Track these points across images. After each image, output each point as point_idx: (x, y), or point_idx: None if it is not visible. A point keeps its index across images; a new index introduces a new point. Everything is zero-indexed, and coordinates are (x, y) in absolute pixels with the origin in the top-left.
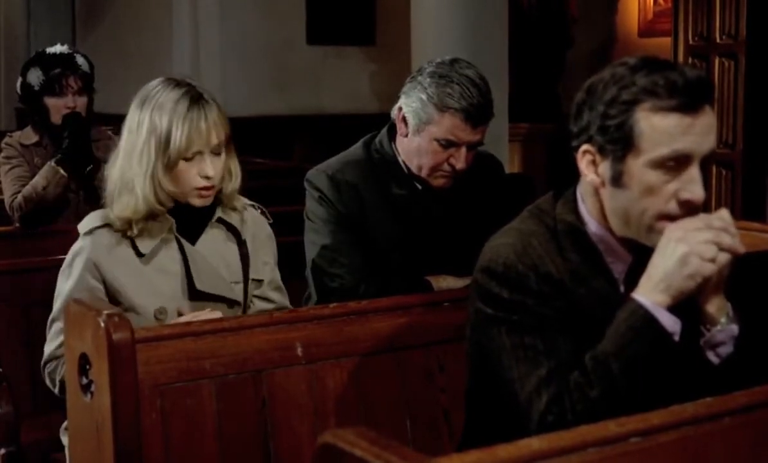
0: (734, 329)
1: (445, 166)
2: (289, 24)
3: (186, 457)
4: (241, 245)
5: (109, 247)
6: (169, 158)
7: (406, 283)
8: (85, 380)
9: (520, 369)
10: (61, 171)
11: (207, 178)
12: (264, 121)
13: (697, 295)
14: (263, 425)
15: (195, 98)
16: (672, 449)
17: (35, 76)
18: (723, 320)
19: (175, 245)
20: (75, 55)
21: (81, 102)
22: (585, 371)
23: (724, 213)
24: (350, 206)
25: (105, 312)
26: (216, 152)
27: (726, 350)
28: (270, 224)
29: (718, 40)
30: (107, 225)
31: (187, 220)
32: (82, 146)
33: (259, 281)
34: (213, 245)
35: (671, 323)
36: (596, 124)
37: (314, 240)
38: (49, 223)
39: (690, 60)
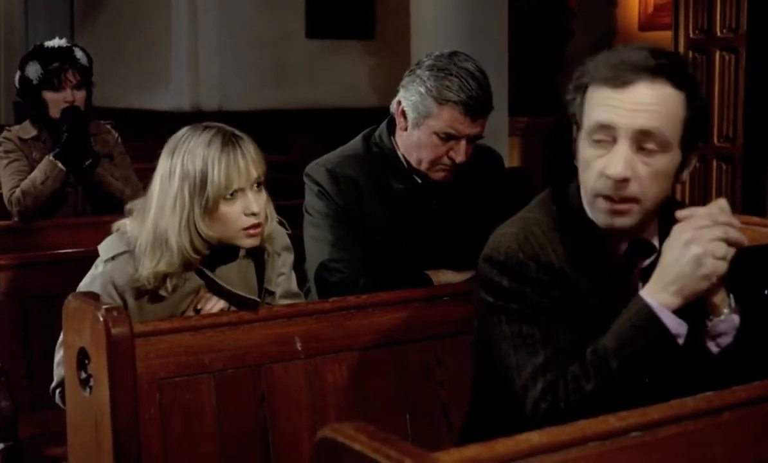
0: (736, 319)
1: (445, 160)
2: (288, 17)
3: (185, 451)
4: (260, 263)
5: (132, 274)
6: (207, 200)
7: (405, 277)
8: (83, 375)
9: (517, 357)
10: (60, 165)
11: (254, 215)
12: (263, 115)
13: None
14: (262, 419)
15: (228, 136)
16: (672, 443)
17: (34, 70)
18: (726, 310)
19: (195, 277)
20: (73, 48)
21: (80, 96)
22: (584, 362)
23: (723, 203)
24: (349, 200)
25: (104, 307)
26: (258, 187)
27: (726, 340)
28: (288, 235)
29: (718, 34)
30: (130, 252)
31: (211, 255)
32: (81, 140)
33: (272, 293)
34: (235, 270)
35: (676, 326)
36: (569, 109)
37: (313, 234)
38: (48, 218)
39: (690, 53)
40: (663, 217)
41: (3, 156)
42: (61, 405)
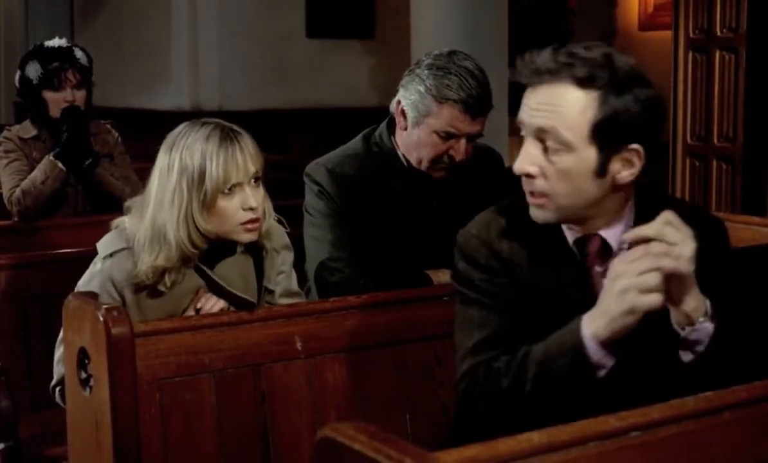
0: (709, 327)
1: (445, 159)
2: (288, 17)
3: (185, 451)
4: (259, 260)
5: (131, 271)
6: (205, 195)
7: (405, 277)
8: (84, 375)
9: (459, 337)
10: (60, 165)
11: (251, 209)
12: (263, 115)
13: (669, 298)
14: (262, 419)
15: (226, 131)
16: (672, 443)
17: (34, 70)
18: (701, 318)
19: (194, 274)
20: (73, 48)
21: (80, 96)
22: (511, 359)
23: (668, 216)
24: (349, 200)
25: (104, 306)
26: (255, 182)
27: (702, 347)
28: (288, 233)
29: (718, 34)
30: (129, 248)
31: (210, 248)
32: (81, 140)
33: (271, 292)
34: (234, 267)
35: (599, 357)
36: None
37: (313, 234)
38: (48, 217)
39: (690, 53)
40: (642, 213)
41: (3, 156)
42: (61, 404)
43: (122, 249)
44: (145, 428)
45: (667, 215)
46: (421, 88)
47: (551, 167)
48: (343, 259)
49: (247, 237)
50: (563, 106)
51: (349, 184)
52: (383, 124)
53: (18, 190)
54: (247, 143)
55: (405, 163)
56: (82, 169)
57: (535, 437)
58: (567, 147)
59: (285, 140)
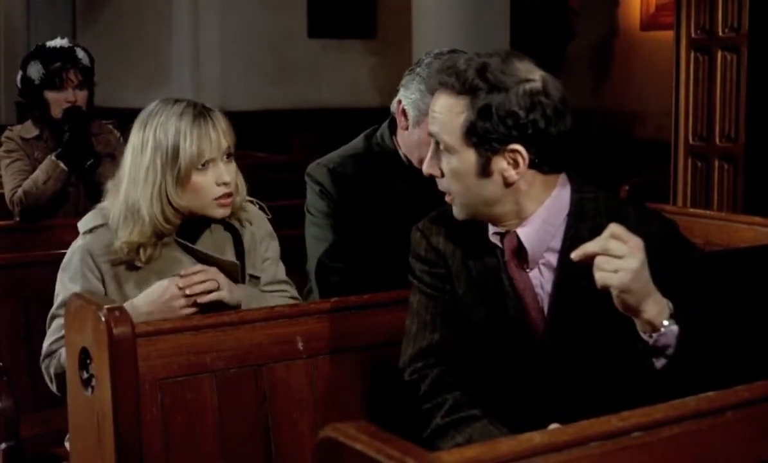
0: (675, 329)
1: None
2: (289, 17)
3: (186, 451)
4: (239, 244)
5: (109, 245)
6: (179, 171)
7: (405, 276)
8: (85, 375)
9: (406, 323)
10: (62, 165)
11: (225, 184)
12: (264, 115)
13: (628, 310)
14: (264, 419)
15: (198, 108)
16: (674, 443)
17: (35, 70)
18: (665, 322)
19: (175, 247)
20: (75, 48)
21: (81, 96)
22: (457, 403)
23: (614, 228)
24: (351, 200)
25: (105, 306)
26: (228, 158)
27: (672, 350)
28: (269, 219)
29: (720, 34)
30: (106, 225)
31: (187, 225)
32: (83, 140)
33: (257, 278)
34: (212, 245)
35: None
36: None
37: (315, 234)
38: (49, 218)
39: (692, 53)
40: (580, 215)
41: (5, 156)
42: (45, 379)
43: (100, 225)
44: (146, 428)
45: (613, 228)
46: (422, 87)
47: (445, 169)
48: (345, 259)
49: (220, 212)
50: (443, 113)
51: (351, 185)
52: (384, 124)
53: (20, 191)
54: (220, 120)
55: (406, 163)
56: (84, 170)
57: (537, 437)
58: (450, 150)
59: (286, 140)
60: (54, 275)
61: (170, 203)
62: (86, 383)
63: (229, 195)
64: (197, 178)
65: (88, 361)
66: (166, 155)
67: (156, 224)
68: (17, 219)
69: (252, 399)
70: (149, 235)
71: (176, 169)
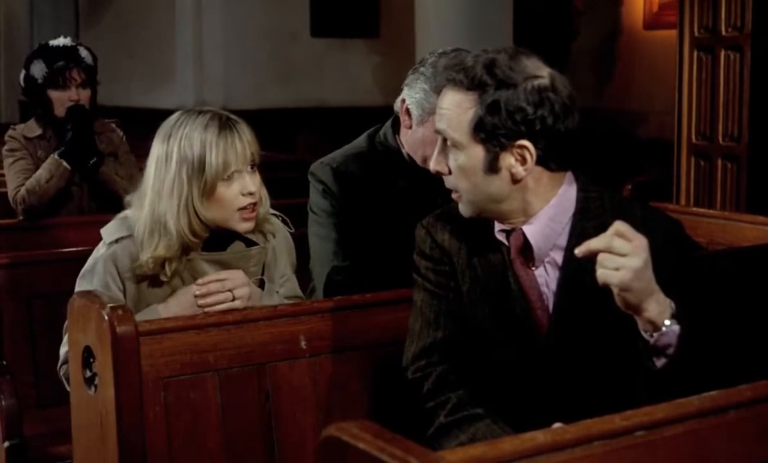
0: (677, 329)
1: None
2: (293, 16)
3: (190, 450)
4: (262, 257)
5: (135, 259)
6: (205, 183)
7: (409, 275)
8: (88, 373)
9: (410, 320)
10: (65, 164)
11: (251, 194)
12: (267, 114)
13: (630, 308)
14: (267, 418)
15: (223, 119)
16: (677, 442)
17: (38, 69)
18: (667, 321)
19: (199, 262)
20: (78, 47)
21: (84, 95)
22: (461, 401)
23: (619, 226)
24: (354, 199)
25: (109, 305)
26: (252, 169)
27: (672, 350)
28: (291, 233)
29: (723, 33)
30: (132, 236)
31: (211, 240)
32: (86, 139)
33: (276, 293)
34: (235, 258)
35: None
36: None
37: (318, 233)
38: (53, 216)
39: (695, 52)
40: (585, 214)
41: (8, 155)
42: (65, 384)
43: (127, 236)
44: (149, 426)
45: (617, 226)
46: (426, 86)
47: (452, 165)
48: (348, 258)
49: (244, 226)
50: (450, 110)
51: (354, 183)
52: (388, 123)
53: (23, 189)
54: (245, 131)
55: (410, 162)
56: (87, 168)
57: (540, 436)
58: (458, 146)
59: (290, 139)
60: (57, 273)
61: (197, 216)
62: (89, 381)
63: (254, 206)
64: (222, 189)
65: (92, 359)
66: (192, 167)
67: (183, 238)
68: (20, 218)
69: (255, 398)
70: (176, 249)
71: (202, 181)
